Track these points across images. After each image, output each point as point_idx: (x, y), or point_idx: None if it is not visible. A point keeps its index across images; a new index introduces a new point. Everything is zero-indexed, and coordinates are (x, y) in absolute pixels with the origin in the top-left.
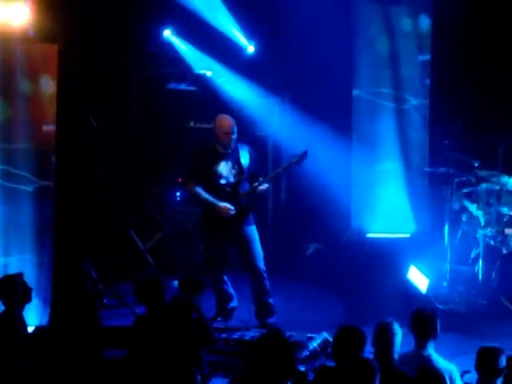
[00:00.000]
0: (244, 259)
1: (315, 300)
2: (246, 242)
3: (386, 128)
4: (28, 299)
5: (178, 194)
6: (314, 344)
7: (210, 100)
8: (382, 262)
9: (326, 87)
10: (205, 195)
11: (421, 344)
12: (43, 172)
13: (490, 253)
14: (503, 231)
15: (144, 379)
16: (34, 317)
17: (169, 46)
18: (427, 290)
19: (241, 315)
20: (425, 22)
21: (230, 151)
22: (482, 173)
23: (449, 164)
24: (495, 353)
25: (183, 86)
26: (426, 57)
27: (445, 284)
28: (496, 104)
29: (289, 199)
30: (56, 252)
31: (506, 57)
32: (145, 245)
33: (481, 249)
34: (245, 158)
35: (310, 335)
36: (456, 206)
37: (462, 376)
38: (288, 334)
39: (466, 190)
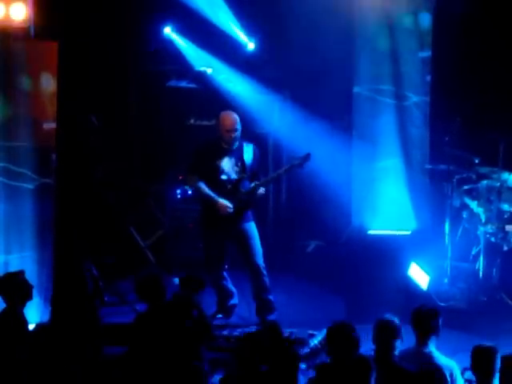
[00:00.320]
0: (243, 256)
1: (316, 297)
2: (245, 239)
3: (387, 125)
4: (29, 297)
5: (178, 191)
6: (315, 341)
7: (211, 97)
8: (382, 258)
9: (326, 84)
10: (205, 189)
11: (422, 341)
12: (44, 170)
13: (491, 250)
14: (504, 228)
15: (145, 376)
16: (34, 314)
17: (169, 44)
18: (428, 286)
19: (241, 312)
20: (425, 19)
21: (233, 148)
22: (483, 169)
23: (449, 161)
24: (490, 352)
25: (183, 84)
26: (427, 53)
27: (445, 281)
28: (497, 101)
29: (289, 196)
30: (57, 249)
31: (507, 53)
32: (145, 242)
33: (481, 246)
34: (248, 157)
35: (310, 332)
36: (457, 202)
37: (462, 373)
38: (289, 330)
39: (466, 187)
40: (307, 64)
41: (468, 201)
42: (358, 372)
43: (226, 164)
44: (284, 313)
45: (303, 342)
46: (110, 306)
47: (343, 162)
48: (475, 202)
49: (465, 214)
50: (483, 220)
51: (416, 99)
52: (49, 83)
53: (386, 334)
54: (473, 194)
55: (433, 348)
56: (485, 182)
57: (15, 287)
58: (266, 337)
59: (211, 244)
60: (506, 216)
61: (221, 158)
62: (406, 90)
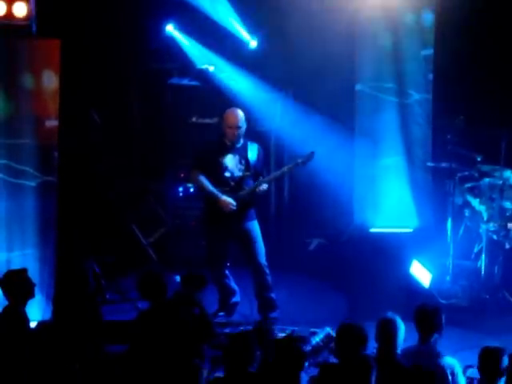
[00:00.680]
0: (246, 254)
1: (318, 295)
2: (248, 237)
3: (389, 123)
4: (31, 295)
5: (180, 189)
6: (317, 339)
7: (213, 95)
8: (384, 256)
9: (328, 82)
10: (208, 186)
11: (424, 339)
12: (46, 167)
13: (493, 247)
14: (506, 226)
15: (146, 374)
16: (36, 312)
17: (171, 41)
18: (430, 284)
19: (243, 310)
20: (428, 17)
21: (237, 145)
22: (485, 167)
23: (451, 159)
24: (498, 353)
25: (185, 81)
26: (429, 51)
27: (448, 279)
28: (499, 99)
29: (292, 194)
30: (59, 247)
31: (510, 51)
32: (147, 240)
33: (484, 243)
34: (253, 156)
35: (312, 330)
36: (459, 200)
37: (464, 370)
38: (291, 328)
39: (468, 185)
40: (309, 62)
41: (470, 199)
42: (359, 371)
43: (230, 161)
44: (286, 311)
45: (305, 340)
46: (111, 304)
47: (345, 160)
48: (477, 200)
49: (467, 212)
50: (485, 218)
51: (418, 97)
52: (51, 81)
53: (388, 332)
54: (475, 191)
55: (435, 346)
56: (487, 180)
57: (17, 285)
58: (254, 336)
59: (213, 241)
60: (508, 214)
61: (224, 154)
62: (409, 87)
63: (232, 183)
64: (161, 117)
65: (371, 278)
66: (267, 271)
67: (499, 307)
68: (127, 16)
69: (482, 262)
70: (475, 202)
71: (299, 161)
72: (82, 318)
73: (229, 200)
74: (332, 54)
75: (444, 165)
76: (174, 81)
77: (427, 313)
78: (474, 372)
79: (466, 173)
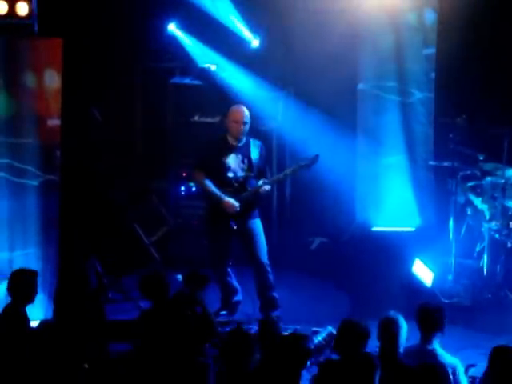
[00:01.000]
0: (248, 253)
1: (320, 294)
2: (251, 236)
3: (391, 122)
4: (30, 299)
5: (182, 188)
6: (319, 338)
7: (215, 94)
8: (386, 255)
9: (330, 81)
10: (211, 187)
11: (426, 338)
12: (48, 166)
13: (495, 246)
14: (508, 225)
15: (149, 373)
16: (39, 311)
17: (173, 40)
18: (432, 283)
19: (245, 309)
20: (430, 16)
21: (240, 144)
22: (487, 166)
23: (454, 157)
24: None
25: (187, 80)
26: (431, 50)
27: (450, 278)
28: (501, 97)
29: (294, 193)
30: (61, 246)
31: (511, 50)
32: (149, 239)
33: (486, 242)
34: (255, 154)
35: (314, 329)
36: (461, 199)
37: (467, 369)
38: (293, 327)
39: (470, 184)
40: (311, 61)
41: (472, 197)
42: (362, 370)
43: (233, 161)
44: (288, 309)
45: (307, 339)
46: (114, 303)
47: (347, 159)
48: (479, 199)
49: (469, 211)
50: (487, 217)
51: (420, 96)
52: (53, 80)
53: (390, 331)
54: (477, 190)
55: (437, 345)
56: (489, 179)
57: (20, 285)
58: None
59: (216, 240)
60: (510, 213)
61: (227, 154)
62: (411, 86)
63: (235, 184)
64: (163, 116)
65: (373, 276)
66: (269, 270)
67: (501, 306)
68: (129, 15)
69: (484, 261)
70: (477, 201)
71: (303, 164)
72: (83, 317)
73: (232, 202)
74: (334, 53)
75: (446, 163)
76: (176, 80)
77: (429, 312)
78: (476, 371)
79: (469, 171)
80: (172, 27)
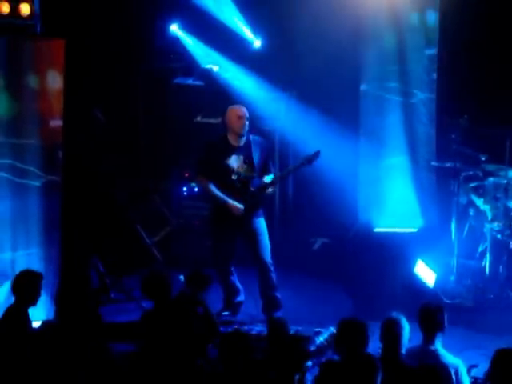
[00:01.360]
0: (251, 251)
1: (322, 294)
2: (254, 235)
3: (393, 122)
4: (32, 302)
5: (184, 188)
6: (321, 338)
7: (217, 95)
8: (389, 256)
9: (333, 82)
10: (215, 191)
11: (428, 338)
12: (50, 167)
13: (498, 247)
14: (510, 225)
15: (150, 374)
16: (41, 311)
17: (175, 41)
18: (434, 284)
19: (248, 309)
20: (432, 17)
21: (241, 144)
22: (490, 167)
23: (456, 158)
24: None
25: (190, 81)
26: (433, 51)
27: (452, 278)
28: (503, 98)
29: (296, 194)
30: (63, 247)
31: None
32: (152, 239)
33: (488, 243)
34: (256, 154)
35: (317, 330)
36: (463, 200)
37: (469, 370)
38: (295, 328)
39: (473, 184)
40: (313, 61)
41: (474, 198)
42: (364, 371)
43: (235, 162)
44: (290, 310)
45: (309, 340)
46: (116, 303)
47: (350, 160)
48: (482, 200)
49: (471, 212)
50: (490, 217)
51: (422, 97)
52: (56, 81)
53: (393, 332)
54: (479, 191)
55: (439, 346)
56: (491, 180)
57: (23, 286)
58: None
59: (220, 239)
60: None
61: (229, 156)
62: (413, 87)
63: (238, 185)
64: (165, 116)
65: (376, 277)
66: (272, 269)
67: (504, 306)
68: (132, 16)
69: (487, 262)
70: (479, 202)
71: (305, 160)
72: (85, 317)
73: (236, 205)
74: (336, 54)
75: (448, 164)
76: (179, 80)
77: (430, 312)
78: (478, 371)
79: (471, 172)
80: (174, 28)
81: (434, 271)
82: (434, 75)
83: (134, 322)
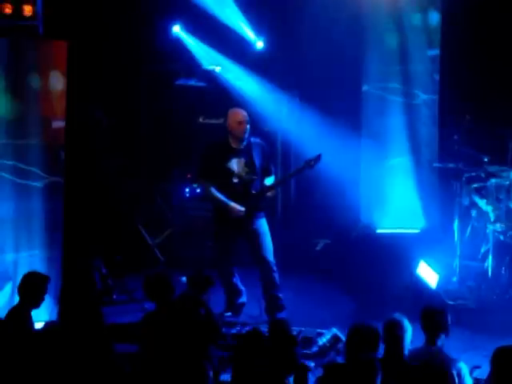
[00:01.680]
0: (253, 252)
1: (325, 296)
2: (256, 235)
3: (396, 123)
4: (36, 304)
5: (187, 189)
6: (324, 340)
7: (219, 96)
8: (391, 257)
9: (335, 82)
10: (216, 194)
11: (431, 340)
12: (53, 168)
13: (500, 248)
14: None
15: (153, 375)
16: (43, 312)
17: (178, 42)
18: (437, 285)
19: (251, 311)
20: (434, 17)
21: (242, 147)
22: (492, 168)
23: (458, 159)
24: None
25: (192, 82)
26: (436, 52)
27: (454, 279)
28: (506, 99)
29: (298, 195)
30: (66, 247)
31: None
32: (154, 240)
33: (491, 244)
34: (257, 157)
35: (319, 331)
36: (466, 201)
37: (471, 371)
38: (297, 329)
39: (475, 186)
40: (316, 62)
41: (477, 199)
42: (364, 374)
43: (236, 165)
44: (292, 311)
45: (311, 341)
46: (118, 304)
47: (352, 161)
48: (484, 201)
49: (474, 213)
50: (492, 218)
51: (425, 97)
52: (58, 82)
53: (395, 334)
54: (482, 192)
55: (441, 347)
56: (494, 181)
57: (27, 287)
58: (266, 336)
59: (223, 240)
60: None
61: (230, 159)
62: (415, 88)
63: (240, 188)
64: (168, 117)
65: (378, 278)
66: (274, 268)
67: (506, 308)
68: (134, 17)
69: (489, 263)
70: (482, 203)
71: (306, 164)
72: (87, 318)
73: (238, 207)
74: (338, 55)
75: (451, 165)
76: (181, 81)
77: (433, 313)
78: (480, 373)
79: (473, 173)
80: (177, 29)
81: (437, 272)
82: (437, 76)
83: (136, 323)
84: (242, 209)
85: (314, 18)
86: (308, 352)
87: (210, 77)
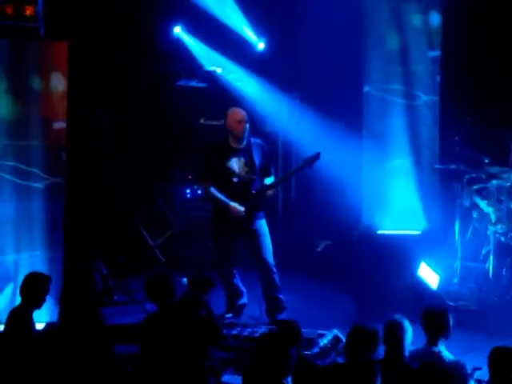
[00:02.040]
0: (253, 253)
1: (326, 297)
2: (256, 236)
3: (397, 124)
4: (37, 305)
5: (188, 190)
6: (325, 341)
7: (221, 97)
8: (392, 258)
9: (336, 84)
10: (216, 194)
11: (432, 341)
12: (54, 169)
13: (501, 249)
14: None
15: (154, 376)
16: (44, 313)
17: (179, 43)
18: (438, 286)
19: (251, 312)
20: (435, 18)
21: (242, 146)
22: (493, 169)
23: (459, 160)
24: (510, 353)
25: (193, 83)
26: (437, 53)
27: (455, 281)
28: (506, 100)
29: (299, 196)
30: (67, 248)
31: None
32: (155, 241)
33: (491, 245)
34: (257, 156)
35: (320, 332)
36: (466, 202)
37: (472, 372)
38: None
39: (476, 187)
40: (317, 63)
41: (478, 200)
42: (363, 375)
43: (236, 165)
44: (293, 312)
45: (312, 342)
46: (119, 305)
47: (353, 162)
48: (485, 202)
49: (475, 214)
50: (493, 220)
51: (426, 99)
52: (59, 83)
53: (395, 335)
54: (483, 193)
55: (442, 348)
56: (495, 182)
57: (29, 288)
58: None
59: (223, 240)
60: None
61: (229, 158)
62: (416, 89)
63: (239, 188)
64: (169, 118)
65: (379, 280)
66: (274, 270)
67: (507, 309)
68: (135, 18)
69: (490, 264)
70: (483, 204)
71: (305, 162)
72: (88, 319)
73: (238, 207)
74: (339, 56)
75: (452, 167)
76: (182, 82)
77: (434, 314)
78: (481, 374)
79: (474, 175)
80: (178, 30)
81: (438, 273)
82: (437, 77)
83: (138, 324)
84: (242, 209)
85: (315, 20)
86: (309, 353)
87: (211, 78)
